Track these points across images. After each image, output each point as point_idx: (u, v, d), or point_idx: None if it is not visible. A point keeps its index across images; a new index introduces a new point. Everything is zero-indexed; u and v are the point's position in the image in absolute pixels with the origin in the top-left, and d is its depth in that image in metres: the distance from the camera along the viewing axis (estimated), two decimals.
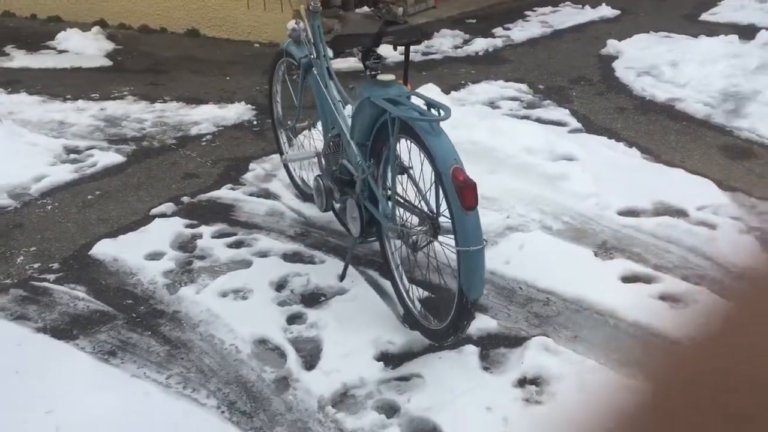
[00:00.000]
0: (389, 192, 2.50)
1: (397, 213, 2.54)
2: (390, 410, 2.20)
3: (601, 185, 3.47)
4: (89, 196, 3.66)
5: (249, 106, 4.86)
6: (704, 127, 4.34)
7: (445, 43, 6.17)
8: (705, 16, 6.94)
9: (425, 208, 2.37)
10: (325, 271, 2.91)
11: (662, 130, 4.31)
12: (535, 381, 2.29)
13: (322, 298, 2.77)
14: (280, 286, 2.85)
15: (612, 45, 5.87)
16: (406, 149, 2.48)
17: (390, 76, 2.47)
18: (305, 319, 2.63)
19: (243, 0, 6.43)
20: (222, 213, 3.44)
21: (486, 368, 2.37)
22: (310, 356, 2.44)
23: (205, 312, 2.67)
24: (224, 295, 2.78)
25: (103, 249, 3.13)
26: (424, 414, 2.16)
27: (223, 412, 2.22)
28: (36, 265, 3.04)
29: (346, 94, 2.94)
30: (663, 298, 2.70)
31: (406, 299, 2.55)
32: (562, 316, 2.62)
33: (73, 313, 2.71)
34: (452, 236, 2.12)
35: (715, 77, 5.04)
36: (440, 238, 2.30)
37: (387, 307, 2.69)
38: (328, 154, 2.90)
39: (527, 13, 7.21)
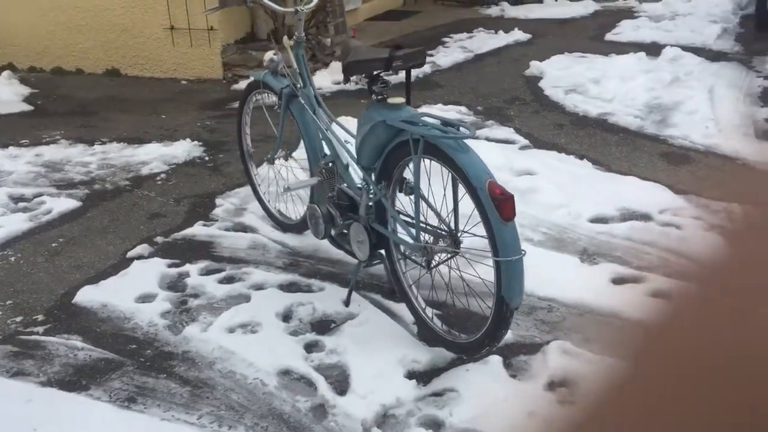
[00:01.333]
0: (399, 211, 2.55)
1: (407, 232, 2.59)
2: (435, 425, 2.23)
3: (567, 196, 3.65)
4: (53, 244, 3.50)
5: (195, 142, 4.79)
6: (640, 138, 4.64)
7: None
8: (609, 37, 7.41)
9: (441, 226, 2.43)
10: (327, 297, 2.91)
11: (603, 143, 4.57)
12: (563, 383, 2.38)
13: (333, 325, 2.77)
14: (286, 316, 2.83)
15: (535, 66, 6.17)
16: (408, 171, 2.55)
17: (400, 99, 2.53)
18: (322, 346, 2.63)
19: (167, 37, 6.33)
20: (202, 250, 3.38)
21: (513, 376, 2.44)
22: (339, 382, 2.44)
23: (218, 349, 2.62)
24: (232, 330, 2.73)
25: (88, 296, 3.00)
26: (469, 426, 2.21)
27: None
28: (18, 319, 2.89)
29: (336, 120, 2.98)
30: (655, 296, 2.86)
31: (425, 317, 2.59)
32: (568, 321, 2.74)
33: (76, 364, 2.59)
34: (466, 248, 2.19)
35: (637, 91, 5.40)
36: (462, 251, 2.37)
37: (401, 328, 2.72)
38: (322, 181, 2.92)
39: (445, 39, 7.46)
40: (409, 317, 2.77)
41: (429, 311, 2.61)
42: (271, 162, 3.42)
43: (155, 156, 4.55)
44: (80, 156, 4.64)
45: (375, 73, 2.54)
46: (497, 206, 2.10)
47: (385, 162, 2.53)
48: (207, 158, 4.56)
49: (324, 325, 2.77)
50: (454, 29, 7.93)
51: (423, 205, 2.50)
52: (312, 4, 3.10)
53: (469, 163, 2.19)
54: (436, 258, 2.47)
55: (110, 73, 6.64)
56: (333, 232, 2.91)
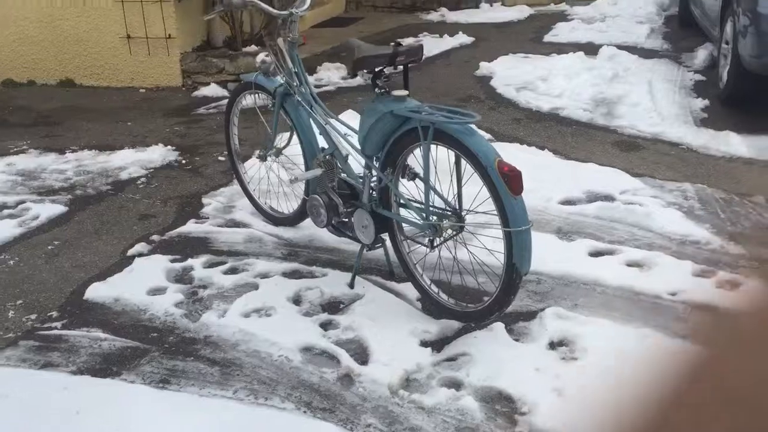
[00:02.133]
0: (405, 196, 2.78)
1: (411, 213, 2.82)
2: (455, 385, 2.46)
3: (535, 183, 3.93)
4: (49, 247, 3.57)
5: (169, 147, 4.89)
6: (592, 129, 4.99)
7: (332, 75, 6.48)
8: (548, 38, 7.81)
9: (443, 206, 2.67)
10: (331, 282, 3.10)
11: (559, 134, 4.90)
12: (562, 343, 2.65)
13: (342, 305, 2.96)
14: (296, 300, 3.01)
15: (484, 66, 6.49)
16: (413, 157, 2.78)
17: (404, 92, 2.75)
18: (337, 324, 2.82)
19: (123, 46, 6.38)
20: (200, 245, 3.51)
21: (516, 339, 2.69)
22: (359, 353, 2.64)
23: (239, 332, 2.78)
24: (247, 315, 2.90)
25: (98, 292, 3.11)
26: (486, 383, 2.44)
27: (304, 411, 2.36)
28: (33, 317, 2.97)
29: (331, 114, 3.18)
30: (630, 265, 3.17)
31: (431, 292, 2.82)
32: (557, 290, 3.01)
33: (103, 353, 2.71)
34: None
35: (582, 87, 5.77)
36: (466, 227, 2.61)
37: (406, 304, 2.94)
38: (323, 172, 3.11)
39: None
40: (411, 294, 2.99)
41: (434, 287, 2.83)
42: (264, 159, 3.59)
43: (131, 161, 4.64)
44: (54, 164, 4.68)
45: (378, 68, 2.75)
46: (507, 182, 2.35)
47: (390, 150, 2.75)
48: (184, 161, 4.67)
49: (334, 306, 2.96)
50: (400, 34, 8.18)
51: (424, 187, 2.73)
52: (305, 6, 3.29)
53: (478, 144, 2.44)
54: (440, 237, 2.70)
55: (64, 83, 6.63)
56: (334, 221, 3.11)
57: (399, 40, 2.86)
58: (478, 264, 2.76)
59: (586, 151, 4.54)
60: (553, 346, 2.64)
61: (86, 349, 2.74)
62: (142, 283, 3.15)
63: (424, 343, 2.68)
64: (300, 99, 3.24)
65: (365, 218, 2.90)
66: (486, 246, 2.62)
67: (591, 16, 8.72)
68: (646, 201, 3.74)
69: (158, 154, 4.75)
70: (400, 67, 2.80)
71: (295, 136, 3.44)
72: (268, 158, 3.58)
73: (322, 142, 3.26)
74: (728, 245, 3.31)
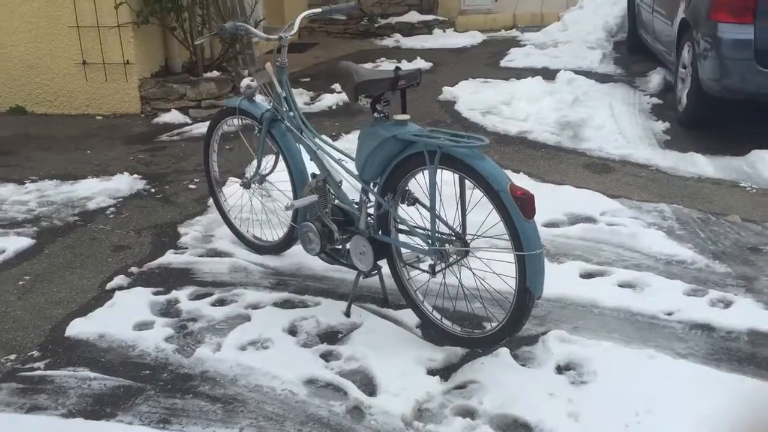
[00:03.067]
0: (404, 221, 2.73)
1: (410, 239, 2.78)
2: (469, 413, 2.40)
3: None
4: (20, 282, 3.40)
5: (135, 176, 4.74)
6: (561, 151, 5.05)
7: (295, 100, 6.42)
8: (504, 63, 7.92)
9: (446, 230, 2.64)
10: (326, 311, 3.02)
11: (530, 157, 4.94)
12: (569, 366, 2.63)
13: (340, 335, 2.89)
14: (292, 331, 2.92)
15: (447, 91, 6.53)
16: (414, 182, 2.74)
17: (406, 116, 2.72)
18: (338, 355, 2.74)
19: (79, 72, 6.19)
20: (183, 277, 3.39)
21: (523, 365, 2.66)
22: (366, 384, 2.57)
23: (237, 367, 2.67)
24: (243, 349, 2.79)
25: (81, 329, 2.96)
26: (501, 410, 2.40)
27: None
28: (12, 357, 2.80)
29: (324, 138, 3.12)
30: (622, 285, 3.19)
31: (433, 319, 2.77)
32: (554, 313, 3.00)
33: (94, 393, 2.56)
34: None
35: (546, 111, 5.85)
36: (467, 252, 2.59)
37: (406, 332, 2.88)
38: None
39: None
40: (410, 321, 2.94)
41: (437, 313, 2.79)
42: (247, 186, 3.50)
43: (97, 191, 4.47)
44: (14, 195, 4.48)
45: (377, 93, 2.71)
46: (520, 206, 2.33)
47: (390, 175, 2.70)
48: (153, 190, 4.53)
49: (331, 336, 2.88)
50: (358, 59, 8.17)
51: (425, 212, 2.70)
52: (294, 31, 3.24)
53: (488, 168, 2.41)
54: (441, 263, 2.66)
55: (15, 111, 6.39)
56: (327, 248, 3.04)
57: (397, 64, 2.83)
58: (485, 289, 2.72)
59: (560, 174, 4.59)
60: (560, 370, 2.62)
61: (75, 389, 2.59)
62: (126, 318, 3.02)
63: (432, 372, 2.62)
64: (289, 124, 3.18)
65: (362, 245, 2.84)
66: (494, 271, 2.58)
67: (543, 42, 8.90)
68: (626, 222, 3.78)
69: (125, 183, 4.59)
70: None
71: (281, 163, 3.37)
72: (252, 185, 3.49)
73: (311, 168, 3.19)
74: (714, 264, 3.37)
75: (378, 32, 9.89)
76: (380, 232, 2.83)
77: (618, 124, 5.54)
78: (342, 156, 3.07)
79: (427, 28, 9.87)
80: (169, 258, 3.57)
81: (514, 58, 8.10)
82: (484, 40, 9.32)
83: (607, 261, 3.41)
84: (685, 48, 5.52)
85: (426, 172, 2.60)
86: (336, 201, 3.02)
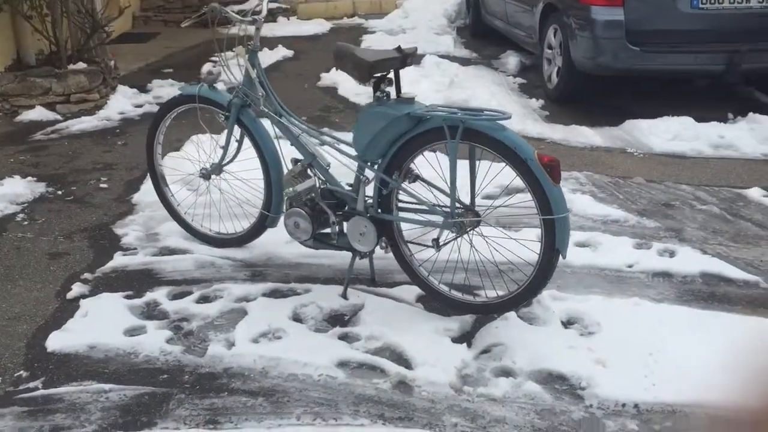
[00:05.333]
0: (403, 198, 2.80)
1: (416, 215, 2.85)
2: (507, 373, 2.54)
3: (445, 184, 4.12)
4: None
5: (29, 179, 4.32)
6: None
7: (171, 91, 6.14)
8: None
9: (455, 203, 2.74)
10: (320, 296, 3.00)
11: None
12: (572, 321, 2.85)
13: (346, 317, 2.90)
14: (297, 318, 2.88)
15: (326, 78, 6.58)
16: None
17: (413, 94, 2.77)
18: (357, 336, 2.75)
19: None
20: (147, 278, 3.20)
21: (532, 325, 2.83)
22: (398, 360, 2.61)
23: (261, 359, 2.60)
24: (256, 341, 2.72)
25: (63, 342, 2.72)
26: (535, 367, 2.56)
27: (384, 424, 2.30)
28: None
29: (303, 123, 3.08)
30: (578, 245, 3.46)
31: (442, 291, 2.86)
32: None
33: (116, 405, 2.38)
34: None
35: (428, 93, 6.00)
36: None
37: (408, 306, 2.95)
38: (298, 186, 3.00)
39: (213, 59, 7.47)
40: (408, 297, 3.01)
41: (444, 286, 2.88)
42: (207, 177, 3.35)
43: None
44: None
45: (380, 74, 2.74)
46: (549, 172, 2.49)
47: (396, 153, 2.75)
48: (60, 193, 4.16)
49: (338, 319, 2.88)
50: (212, 50, 7.94)
51: (417, 187, 2.79)
52: (263, 14, 3.17)
53: (514, 139, 2.55)
54: (456, 235, 2.76)
55: None
56: (316, 233, 3.01)
57: (400, 45, 2.86)
58: (491, 259, 2.86)
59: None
60: (566, 325, 2.83)
61: (94, 404, 2.39)
62: (111, 326, 2.81)
63: (455, 340, 2.72)
64: (268, 109, 3.10)
65: (363, 225, 2.86)
66: (511, 237, 2.73)
67: (391, 29, 9.15)
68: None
69: (22, 187, 4.18)
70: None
71: (243, 151, 3.27)
72: (213, 176, 3.35)
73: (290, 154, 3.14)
74: (642, 221, 3.76)
75: (220, 21, 9.59)
76: (379, 211, 2.86)
77: (499, 103, 5.89)
78: (330, 139, 3.05)
79: (271, 15, 9.74)
80: (122, 260, 3.34)
81: (371, 45, 8.24)
82: (332, 28, 9.42)
83: (520, 225, 3.66)
84: (550, 31, 5.99)
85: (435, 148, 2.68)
86: (326, 184, 3.00)
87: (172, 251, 3.43)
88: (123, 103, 5.79)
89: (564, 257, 2.62)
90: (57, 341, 2.72)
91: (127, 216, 3.81)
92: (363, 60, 2.72)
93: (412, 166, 2.83)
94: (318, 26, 9.37)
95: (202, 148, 3.46)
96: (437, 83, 6.33)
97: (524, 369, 2.55)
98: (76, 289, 3.08)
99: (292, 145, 3.10)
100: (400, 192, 2.85)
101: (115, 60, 6.70)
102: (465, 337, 2.75)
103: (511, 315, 2.84)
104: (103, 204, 4.00)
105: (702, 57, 5.27)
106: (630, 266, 3.27)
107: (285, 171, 3.13)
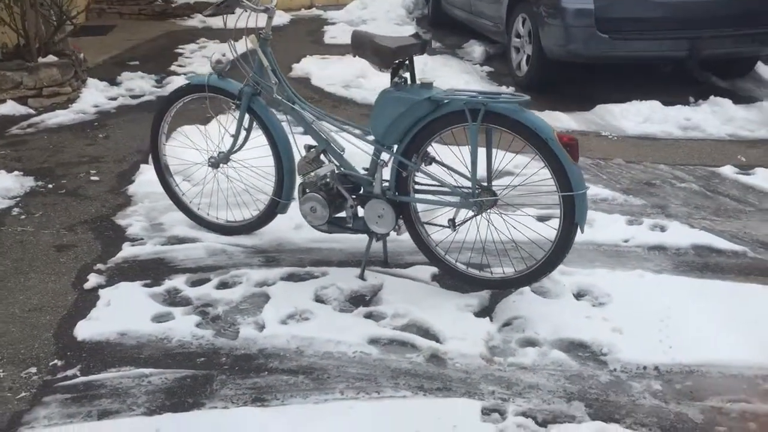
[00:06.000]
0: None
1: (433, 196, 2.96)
2: (533, 343, 2.67)
3: None
4: None
5: (16, 173, 4.25)
6: None
7: (143, 84, 6.10)
8: (328, 41, 8.14)
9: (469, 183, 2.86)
10: (338, 278, 3.08)
11: None
12: (582, 293, 3.00)
13: (367, 297, 2.98)
14: (320, 300, 2.95)
15: (297, 68, 6.63)
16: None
17: (431, 80, 2.86)
18: (382, 314, 2.84)
19: None
20: (162, 267, 3.22)
21: (545, 298, 2.97)
22: (427, 334, 2.72)
23: (293, 339, 2.67)
24: (285, 323, 2.79)
25: (91, 330, 2.73)
26: (557, 336, 2.70)
27: (425, 395, 2.40)
28: (32, 370, 2.52)
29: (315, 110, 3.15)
30: None
31: (459, 269, 2.98)
32: (535, 252, 3.35)
33: (160, 388, 2.42)
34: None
35: None
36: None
37: (425, 284, 3.06)
38: (311, 171, 3.07)
39: (179, 51, 7.43)
40: (423, 276, 3.11)
41: (461, 264, 3.00)
42: (216, 165, 3.38)
43: None
44: None
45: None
46: (569, 151, 2.62)
47: (414, 137, 2.84)
48: (51, 186, 4.12)
49: (360, 299, 2.97)
50: (176, 41, 7.89)
51: (432, 167, 2.89)
52: (275, 2, 3.21)
53: (534, 120, 2.67)
54: (474, 214, 2.88)
55: None
56: (332, 216, 3.08)
57: (417, 32, 2.95)
58: (522, 235, 2.99)
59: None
60: (577, 297, 2.98)
61: (137, 388, 2.42)
62: (136, 313, 2.83)
63: (477, 314, 2.84)
64: (281, 97, 3.14)
65: (381, 208, 2.94)
66: (527, 214, 2.85)
67: (351, 20, 9.22)
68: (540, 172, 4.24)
69: (11, 181, 4.11)
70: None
71: (251, 140, 3.32)
72: (221, 164, 3.38)
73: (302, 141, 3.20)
74: (629, 198, 3.95)
75: (177, 12, 9.53)
76: (397, 194, 2.96)
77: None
78: (343, 125, 3.12)
79: (229, 7, 9.67)
80: (132, 251, 3.35)
81: (336, 36, 8.33)
82: (292, 19, 9.43)
83: (549, 205, 3.82)
84: (518, 20, 6.16)
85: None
86: (341, 169, 3.07)
87: (180, 240, 3.45)
88: (96, 96, 5.72)
89: (582, 231, 2.76)
90: (85, 330, 2.73)
91: (126, 207, 3.81)
92: (385, 46, 2.80)
93: (428, 149, 2.93)
94: (278, 18, 9.34)
95: (208, 137, 3.47)
96: None
97: (547, 339, 2.68)
98: (93, 279, 3.08)
99: (305, 132, 3.16)
100: (417, 174, 2.95)
101: (83, 53, 6.59)
102: (486, 312, 2.87)
103: (526, 290, 2.97)
104: (98, 196, 3.98)
105: (666, 44, 5.52)
106: (626, 241, 3.45)
107: (297, 158, 3.19)
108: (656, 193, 4.03)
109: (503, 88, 6.14)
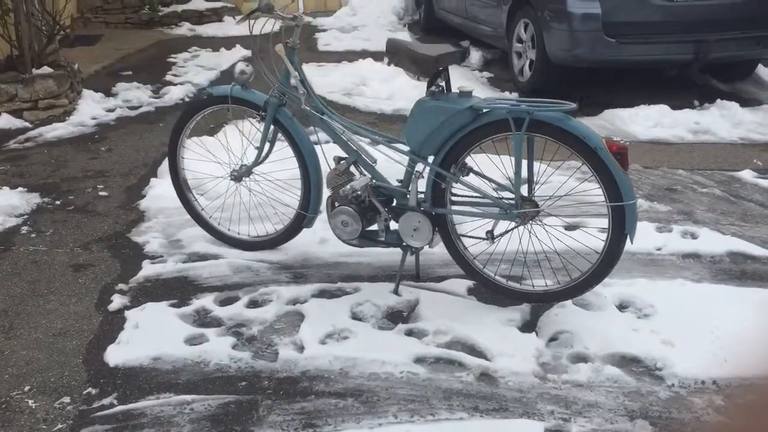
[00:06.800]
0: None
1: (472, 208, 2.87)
2: (583, 359, 2.59)
3: None
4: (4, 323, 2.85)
5: (20, 189, 4.11)
6: None
7: (140, 95, 5.96)
8: (322, 48, 8.03)
9: (512, 195, 2.78)
10: (372, 295, 2.98)
11: None
12: (625, 305, 2.93)
13: (404, 314, 2.89)
14: (357, 318, 2.85)
15: None
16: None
17: (470, 88, 2.77)
18: (423, 331, 2.75)
19: None
20: (187, 286, 3.10)
21: (588, 310, 2.89)
22: (473, 351, 2.63)
23: (336, 360, 2.57)
24: (324, 342, 2.68)
25: (124, 356, 2.60)
26: (608, 351, 2.61)
27: (481, 416, 2.31)
28: (66, 400, 2.39)
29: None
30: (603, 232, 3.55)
31: (499, 282, 2.89)
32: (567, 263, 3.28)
33: (205, 415, 2.30)
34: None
35: (406, 89, 6.09)
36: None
37: (462, 299, 2.97)
38: (342, 183, 2.97)
39: (172, 61, 7.28)
40: (459, 290, 3.02)
41: (500, 278, 2.91)
42: (239, 179, 3.27)
43: None
44: None
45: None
46: (619, 160, 2.55)
47: (453, 147, 2.76)
48: (58, 203, 3.97)
49: (398, 316, 2.87)
50: (167, 50, 7.74)
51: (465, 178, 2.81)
52: (302, 9, 3.11)
53: (581, 129, 2.60)
54: (498, 229, 2.80)
55: None
56: (363, 231, 2.98)
57: (460, 41, 2.86)
58: (565, 246, 2.91)
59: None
60: (621, 309, 2.91)
61: (180, 416, 2.30)
62: (167, 336, 2.71)
63: (521, 329, 2.76)
64: (310, 107, 3.04)
65: (417, 220, 2.85)
66: (570, 225, 2.77)
67: (342, 26, 9.12)
68: (561, 179, 4.18)
69: (16, 198, 3.96)
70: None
71: (273, 153, 3.21)
72: (244, 178, 3.27)
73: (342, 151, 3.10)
74: (654, 205, 3.89)
75: (164, 21, 9.37)
76: (433, 205, 2.86)
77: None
78: (375, 136, 3.02)
79: (216, 15, 9.57)
80: (153, 269, 3.22)
81: (329, 42, 8.23)
82: (282, 27, 9.27)
83: (575, 214, 3.76)
84: (520, 25, 6.11)
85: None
86: (373, 181, 2.97)
87: (202, 257, 3.33)
88: (93, 107, 5.56)
89: (632, 242, 2.69)
90: (117, 355, 2.60)
91: (140, 223, 3.68)
92: (426, 55, 2.71)
93: (468, 159, 2.84)
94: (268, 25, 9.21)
95: (230, 150, 3.36)
96: (411, 79, 6.36)
97: (598, 354, 2.61)
98: (117, 300, 2.95)
99: (335, 142, 3.07)
100: (454, 185, 2.87)
101: (77, 64, 6.42)
102: (529, 326, 2.79)
103: (567, 302, 2.89)
104: (110, 212, 3.84)
105: (673, 47, 5.50)
106: (659, 249, 3.39)
107: (325, 171, 3.10)
108: (680, 199, 3.98)
109: (506, 94, 6.08)
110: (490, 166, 3.10)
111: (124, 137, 5.07)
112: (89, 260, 3.33)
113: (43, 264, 3.30)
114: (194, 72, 6.73)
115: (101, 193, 4.08)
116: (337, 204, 3.01)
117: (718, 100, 5.53)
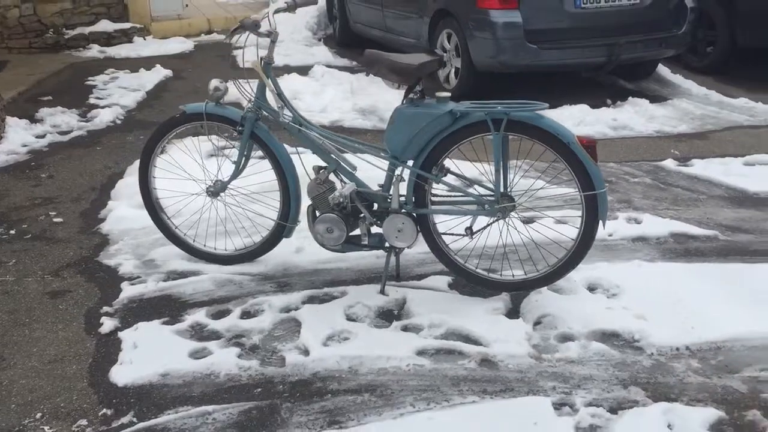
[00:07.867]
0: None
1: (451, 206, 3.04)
2: (571, 337, 2.80)
3: None
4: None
5: None
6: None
7: (68, 119, 5.82)
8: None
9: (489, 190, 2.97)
10: (360, 296, 3.09)
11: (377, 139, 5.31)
12: (594, 287, 3.17)
13: (396, 311, 3.02)
14: (351, 319, 2.96)
15: (232, 94, 6.49)
16: None
17: (447, 93, 2.94)
18: (418, 326, 2.89)
19: None
20: (173, 303, 3.12)
21: (562, 294, 3.11)
22: (469, 340, 2.79)
23: (344, 360, 2.67)
24: (327, 344, 2.78)
25: (130, 375, 2.61)
26: (588, 329, 2.84)
27: (492, 398, 2.47)
28: (83, 422, 2.38)
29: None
30: (559, 223, 3.82)
31: (480, 275, 3.07)
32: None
33: (228, 424, 2.36)
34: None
35: (338, 101, 6.26)
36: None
37: (446, 293, 3.14)
38: (324, 192, 3.08)
39: (91, 84, 7.09)
40: (441, 286, 3.19)
41: (481, 270, 3.09)
42: (216, 194, 3.31)
43: None
44: None
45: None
46: (589, 152, 2.78)
47: (433, 150, 2.92)
48: (12, 231, 3.87)
49: (389, 314, 3.00)
50: (83, 73, 7.55)
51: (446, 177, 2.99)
52: (275, 26, 3.21)
53: (554, 125, 2.81)
54: (477, 224, 3.00)
55: None
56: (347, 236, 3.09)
57: (433, 50, 3.02)
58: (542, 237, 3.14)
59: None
60: (591, 290, 3.15)
61: (204, 427, 2.35)
62: (170, 352, 2.74)
63: (508, 316, 2.95)
64: (288, 121, 3.14)
65: (400, 222, 3.00)
66: (551, 216, 2.99)
67: (259, 42, 9.12)
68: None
69: None
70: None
71: (246, 167, 3.29)
72: (221, 193, 3.32)
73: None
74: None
75: (71, 44, 9.10)
76: (414, 207, 3.02)
77: None
78: (350, 143, 3.14)
79: (126, 36, 9.36)
80: (135, 290, 3.21)
81: (248, 60, 8.22)
82: (197, 45, 9.23)
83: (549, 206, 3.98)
84: (443, 35, 6.37)
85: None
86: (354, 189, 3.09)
87: (181, 274, 3.35)
88: (22, 135, 5.40)
89: (604, 227, 2.93)
90: (123, 375, 2.61)
91: (106, 247, 3.64)
92: (407, 64, 2.87)
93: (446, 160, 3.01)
94: (180, 44, 9.13)
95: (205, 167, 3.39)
96: (342, 91, 6.51)
97: (582, 332, 2.83)
98: (108, 323, 2.94)
99: (314, 153, 3.17)
100: (435, 186, 3.03)
101: None
102: (514, 313, 2.98)
103: (544, 289, 3.10)
104: (71, 238, 3.78)
105: (588, 51, 5.89)
106: (611, 235, 3.66)
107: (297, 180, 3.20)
108: (616, 189, 4.30)
109: None
110: (463, 167, 3.28)
111: (62, 162, 4.96)
112: (64, 286, 3.29)
113: (16, 294, 3.23)
114: (119, 94, 6.61)
115: (55, 220, 4.00)
116: (318, 212, 3.11)
117: (630, 98, 5.97)
